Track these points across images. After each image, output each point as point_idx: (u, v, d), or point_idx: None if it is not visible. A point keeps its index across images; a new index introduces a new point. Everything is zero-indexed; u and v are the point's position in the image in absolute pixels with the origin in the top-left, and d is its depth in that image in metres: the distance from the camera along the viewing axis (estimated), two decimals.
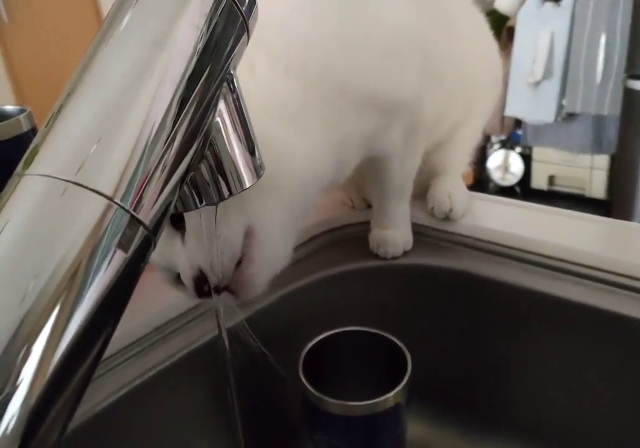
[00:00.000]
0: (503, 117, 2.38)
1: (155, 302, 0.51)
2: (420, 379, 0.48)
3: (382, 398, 0.46)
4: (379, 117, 0.48)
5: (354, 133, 0.46)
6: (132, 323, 0.50)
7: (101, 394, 0.44)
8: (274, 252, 0.40)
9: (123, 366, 0.47)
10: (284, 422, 0.56)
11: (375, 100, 0.47)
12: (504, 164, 2.59)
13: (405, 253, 0.60)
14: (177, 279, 0.40)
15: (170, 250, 0.38)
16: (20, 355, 0.18)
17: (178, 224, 0.38)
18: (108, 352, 0.47)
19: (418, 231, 0.62)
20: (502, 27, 2.21)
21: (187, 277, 0.38)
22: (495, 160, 2.59)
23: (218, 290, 0.38)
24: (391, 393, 0.47)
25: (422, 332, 0.58)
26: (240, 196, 0.37)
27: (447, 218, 0.61)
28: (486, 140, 2.55)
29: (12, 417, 0.18)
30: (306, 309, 0.58)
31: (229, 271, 0.38)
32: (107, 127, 0.22)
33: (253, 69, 0.41)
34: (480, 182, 2.62)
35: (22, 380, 0.18)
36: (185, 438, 0.49)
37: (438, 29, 0.55)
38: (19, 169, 0.22)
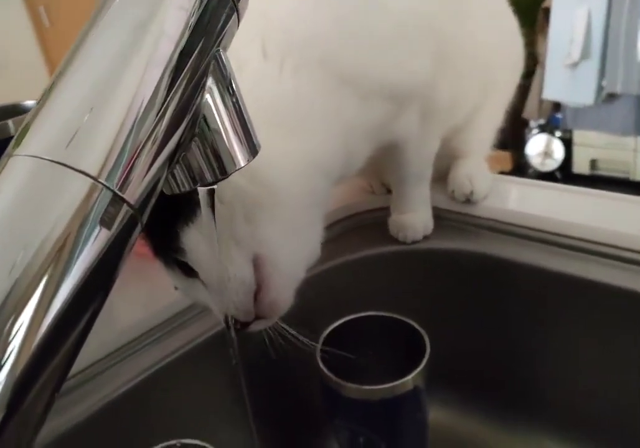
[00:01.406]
0: (541, 101, 2.32)
1: (172, 290, 0.51)
2: (442, 364, 0.48)
3: (400, 381, 0.46)
4: (386, 105, 0.47)
5: (360, 124, 0.46)
6: (151, 310, 0.51)
7: (119, 380, 0.45)
8: (288, 270, 0.41)
9: (141, 352, 0.48)
10: (305, 407, 0.56)
11: (383, 89, 0.46)
12: (545, 149, 2.52)
13: (425, 237, 0.59)
14: None
15: (198, 296, 0.41)
16: (7, 325, 0.19)
17: (191, 272, 0.39)
18: (127, 338, 0.48)
19: (439, 215, 0.61)
20: (537, 8, 2.16)
21: (220, 317, 0.40)
22: (534, 145, 2.52)
23: (238, 329, 0.39)
24: (409, 376, 0.46)
25: (443, 317, 0.57)
26: (237, 230, 0.38)
27: (468, 201, 0.60)
28: (524, 125, 2.49)
29: None
30: (325, 294, 0.57)
31: (248, 306, 0.39)
32: (95, 107, 0.23)
33: (244, 65, 0.40)
34: (519, 167, 2.55)
35: (8, 349, 0.19)
36: (202, 424, 0.50)
37: (451, 11, 0.53)
38: (9, 149, 0.22)
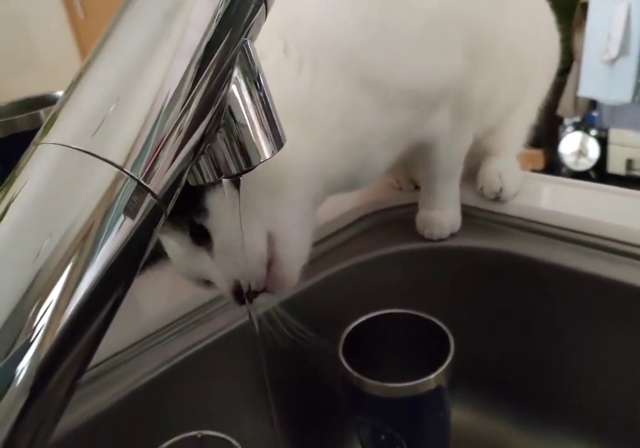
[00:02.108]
0: (576, 98, 2.27)
1: None
2: (466, 365, 0.47)
3: (423, 380, 0.46)
4: (410, 113, 0.46)
5: (380, 132, 0.45)
6: (177, 301, 0.51)
7: (142, 370, 0.46)
8: (297, 249, 0.42)
9: (165, 343, 0.48)
10: (327, 401, 0.56)
11: (408, 95, 0.45)
12: (579, 148, 2.46)
13: (452, 235, 0.58)
14: (208, 282, 0.43)
15: (199, 266, 0.41)
16: (32, 311, 0.19)
17: (200, 240, 0.40)
18: (151, 328, 0.49)
19: (467, 212, 0.60)
20: (575, 4, 2.11)
21: (224, 289, 0.41)
22: (568, 143, 2.47)
23: (255, 293, 0.40)
24: (432, 375, 0.46)
25: (468, 316, 0.56)
26: (256, 205, 0.39)
27: (497, 198, 0.59)
28: (559, 123, 2.44)
29: (22, 370, 0.19)
30: (350, 291, 0.57)
31: (262, 276, 0.40)
32: (121, 97, 0.23)
33: (263, 59, 0.40)
34: (552, 166, 2.50)
35: (33, 334, 0.19)
36: (224, 416, 0.50)
37: (484, 6, 0.52)
38: (36, 137, 0.22)
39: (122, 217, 0.22)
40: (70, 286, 0.20)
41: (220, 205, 0.38)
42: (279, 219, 0.41)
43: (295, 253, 0.42)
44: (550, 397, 0.57)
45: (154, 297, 0.53)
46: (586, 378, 0.54)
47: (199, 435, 0.40)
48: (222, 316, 0.51)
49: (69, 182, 0.21)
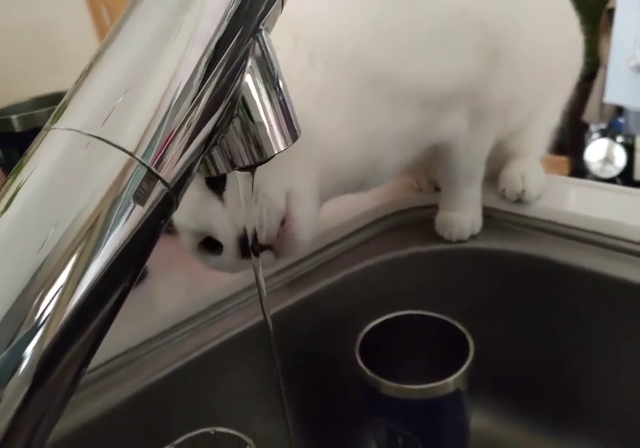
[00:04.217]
0: (603, 104, 2.23)
1: (215, 278, 0.52)
2: (487, 369, 0.46)
3: (441, 382, 0.45)
4: (418, 114, 0.45)
5: (387, 133, 0.44)
6: (192, 298, 0.51)
7: (157, 366, 0.46)
8: (311, 214, 0.42)
9: (180, 339, 0.48)
10: (343, 402, 0.55)
11: (416, 95, 0.44)
12: (605, 155, 2.42)
13: (473, 237, 0.57)
14: (202, 244, 0.42)
15: (206, 212, 0.39)
16: (36, 300, 0.19)
17: (214, 185, 0.39)
18: (167, 325, 0.49)
19: (488, 214, 0.59)
20: (602, 9, 2.08)
21: (230, 238, 0.39)
22: (594, 150, 2.43)
23: (257, 250, 0.38)
24: (450, 378, 0.45)
25: (488, 319, 0.55)
26: (279, 160, 0.38)
27: (519, 200, 0.58)
28: (584, 129, 2.40)
29: (25, 359, 0.19)
30: (368, 291, 0.57)
31: (274, 230, 0.39)
32: (133, 85, 0.23)
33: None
34: (577, 173, 2.46)
35: (36, 324, 0.19)
36: (237, 414, 0.50)
37: (503, 9, 0.51)
38: (47, 123, 0.22)
39: (131, 205, 0.21)
40: (77, 274, 0.20)
41: None
42: (298, 181, 0.40)
43: (308, 216, 0.41)
44: (575, 404, 0.55)
45: (169, 294, 0.53)
46: (613, 385, 0.52)
47: (212, 432, 0.40)
48: (237, 314, 0.51)
49: (79, 167, 0.21)
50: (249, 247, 0.37)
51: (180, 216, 0.41)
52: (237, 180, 0.36)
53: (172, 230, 0.42)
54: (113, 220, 0.21)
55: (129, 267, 0.22)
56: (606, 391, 0.53)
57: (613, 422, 0.53)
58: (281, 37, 0.40)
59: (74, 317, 0.20)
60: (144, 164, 0.22)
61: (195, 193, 0.40)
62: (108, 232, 0.21)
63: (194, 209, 0.40)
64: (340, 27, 0.42)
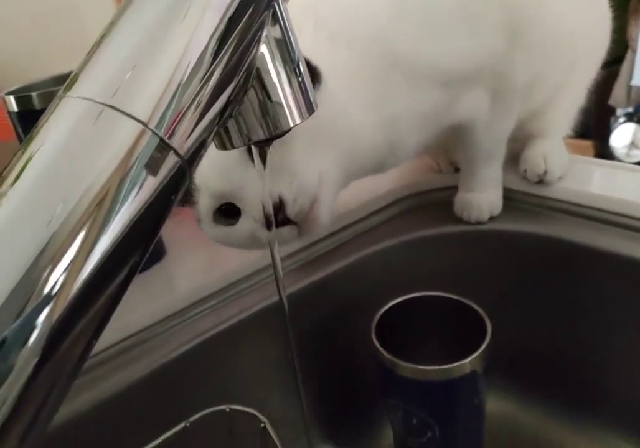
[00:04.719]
0: (630, 88, 2.18)
1: (233, 257, 0.52)
2: (503, 352, 0.46)
3: (457, 363, 0.44)
4: (438, 94, 0.45)
5: (408, 112, 0.44)
6: (211, 277, 0.51)
7: (175, 343, 0.46)
8: (334, 199, 0.42)
9: (198, 317, 0.49)
10: (359, 383, 0.55)
11: (436, 74, 0.44)
12: (632, 139, 2.37)
13: (492, 218, 0.56)
14: (218, 211, 0.41)
15: (240, 175, 0.39)
16: (45, 274, 0.19)
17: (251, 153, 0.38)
18: (185, 303, 0.49)
19: (508, 196, 0.58)
20: None
21: (257, 205, 0.39)
22: (620, 134, 2.37)
23: (285, 222, 0.40)
24: (467, 360, 0.44)
25: (506, 302, 0.54)
26: (312, 143, 0.39)
27: (541, 181, 0.57)
28: (611, 113, 2.35)
29: (35, 330, 0.18)
30: (385, 272, 0.56)
31: (306, 207, 0.40)
32: (147, 55, 0.22)
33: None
34: (602, 157, 2.41)
35: (45, 297, 0.19)
36: (253, 392, 0.50)
37: None
38: (60, 91, 0.22)
39: (144, 175, 0.21)
40: (87, 246, 0.20)
41: None
42: (327, 164, 0.41)
43: (331, 200, 0.42)
44: (591, 389, 0.55)
45: (186, 274, 0.53)
46: (629, 369, 0.51)
47: (228, 410, 0.40)
48: (255, 293, 0.51)
49: (91, 137, 0.21)
50: (277, 216, 0.38)
51: (207, 174, 0.41)
52: (276, 151, 0.36)
53: (187, 201, 0.42)
54: (125, 191, 0.21)
55: (139, 241, 0.22)
56: (624, 376, 0.52)
57: (628, 407, 0.52)
58: (301, 22, 0.40)
59: (83, 291, 0.19)
60: (156, 134, 0.21)
61: (232, 154, 0.39)
62: (119, 203, 0.20)
63: (227, 169, 0.39)
64: (360, 9, 0.42)
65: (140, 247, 0.22)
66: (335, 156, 0.41)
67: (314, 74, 0.40)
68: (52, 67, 0.52)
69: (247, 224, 0.41)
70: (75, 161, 0.20)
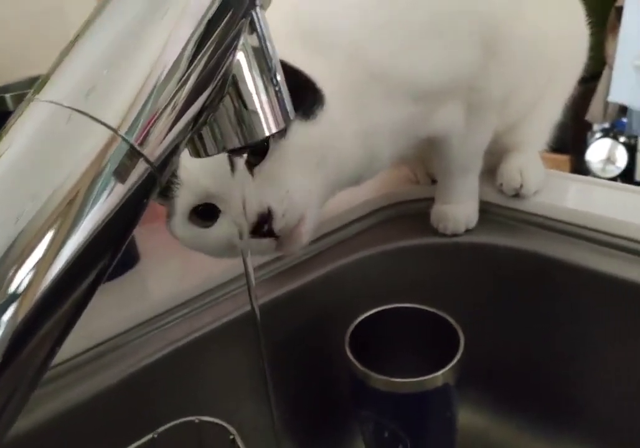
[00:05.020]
0: (607, 104, 2.22)
1: (207, 265, 0.51)
2: (477, 365, 0.46)
3: (429, 376, 0.44)
4: (413, 107, 0.45)
5: (384, 124, 0.44)
6: (185, 284, 0.51)
7: (145, 351, 0.45)
8: (317, 218, 0.42)
9: (170, 325, 0.48)
10: (331, 395, 0.55)
11: (411, 87, 0.44)
12: (607, 155, 2.41)
13: (468, 230, 0.57)
14: (195, 210, 0.40)
15: (229, 177, 0.38)
16: (9, 274, 0.18)
17: (253, 157, 0.39)
18: (158, 310, 0.48)
19: (484, 208, 0.58)
20: (610, 7, 2.06)
21: (250, 212, 0.38)
22: (596, 150, 2.42)
23: (268, 234, 0.39)
24: (440, 372, 0.44)
25: (480, 314, 0.55)
26: (301, 161, 0.40)
27: (517, 195, 0.57)
28: (587, 129, 2.39)
29: None
30: (360, 283, 0.56)
31: (291, 224, 0.40)
32: (120, 59, 0.22)
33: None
34: (578, 173, 2.44)
35: (9, 298, 0.18)
36: (223, 403, 0.49)
37: (501, 2, 0.49)
38: (29, 94, 0.22)
39: (112, 182, 0.21)
40: (54, 249, 0.19)
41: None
42: (318, 184, 0.41)
43: (315, 220, 0.42)
44: (565, 402, 0.55)
45: (160, 280, 0.53)
46: (604, 382, 0.52)
47: (197, 421, 0.39)
48: (229, 301, 0.50)
49: (59, 142, 0.20)
50: (262, 226, 0.38)
51: (194, 170, 0.40)
52: (271, 161, 0.38)
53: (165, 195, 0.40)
54: (93, 196, 0.20)
55: (108, 245, 0.21)
56: (597, 390, 0.52)
57: (602, 421, 0.52)
58: (280, 33, 0.40)
59: (49, 293, 0.19)
60: (127, 141, 0.21)
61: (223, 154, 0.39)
62: (88, 207, 0.20)
63: (217, 169, 0.38)
64: (339, 21, 0.42)
65: (109, 249, 0.21)
66: (323, 173, 0.41)
67: (318, 96, 0.40)
68: (33, 68, 0.51)
69: (225, 228, 0.40)
70: (43, 163, 0.20)
